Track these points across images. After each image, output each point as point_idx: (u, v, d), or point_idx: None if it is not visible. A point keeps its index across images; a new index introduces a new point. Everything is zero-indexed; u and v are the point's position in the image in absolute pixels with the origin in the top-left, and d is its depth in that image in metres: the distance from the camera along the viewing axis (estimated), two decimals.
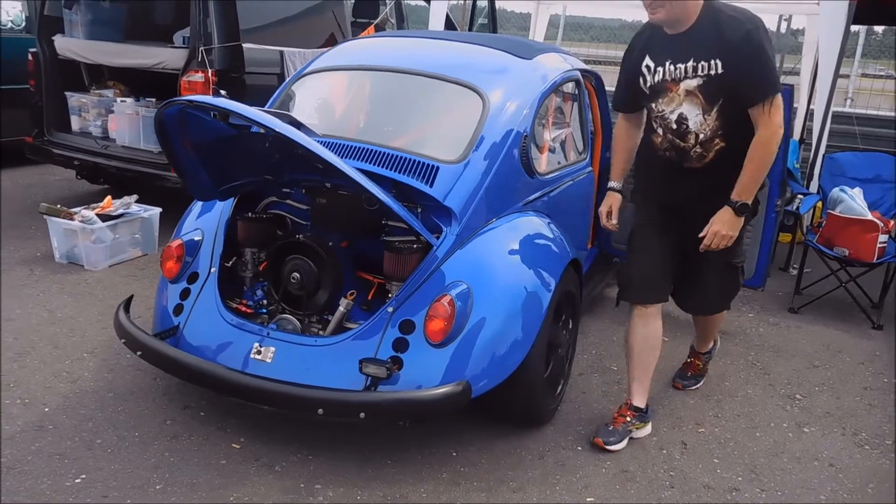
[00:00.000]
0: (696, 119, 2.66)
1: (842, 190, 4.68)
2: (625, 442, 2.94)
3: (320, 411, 2.43)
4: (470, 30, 7.43)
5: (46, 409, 2.91)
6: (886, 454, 3.06)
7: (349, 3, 6.09)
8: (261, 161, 2.85)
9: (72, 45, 5.19)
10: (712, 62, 2.56)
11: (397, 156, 2.85)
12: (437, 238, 2.77)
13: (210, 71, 4.69)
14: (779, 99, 2.56)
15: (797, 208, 4.73)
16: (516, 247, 2.88)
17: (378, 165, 2.84)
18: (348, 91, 3.37)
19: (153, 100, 5.29)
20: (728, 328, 4.27)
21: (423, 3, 7.28)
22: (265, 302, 2.98)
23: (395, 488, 2.60)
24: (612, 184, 3.09)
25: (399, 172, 2.82)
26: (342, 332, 2.73)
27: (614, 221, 3.09)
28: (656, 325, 2.96)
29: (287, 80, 3.57)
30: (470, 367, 2.60)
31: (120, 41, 5.41)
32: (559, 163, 3.50)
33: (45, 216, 4.38)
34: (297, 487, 2.55)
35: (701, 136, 2.69)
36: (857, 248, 4.46)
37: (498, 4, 8.17)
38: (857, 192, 4.66)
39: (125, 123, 5.13)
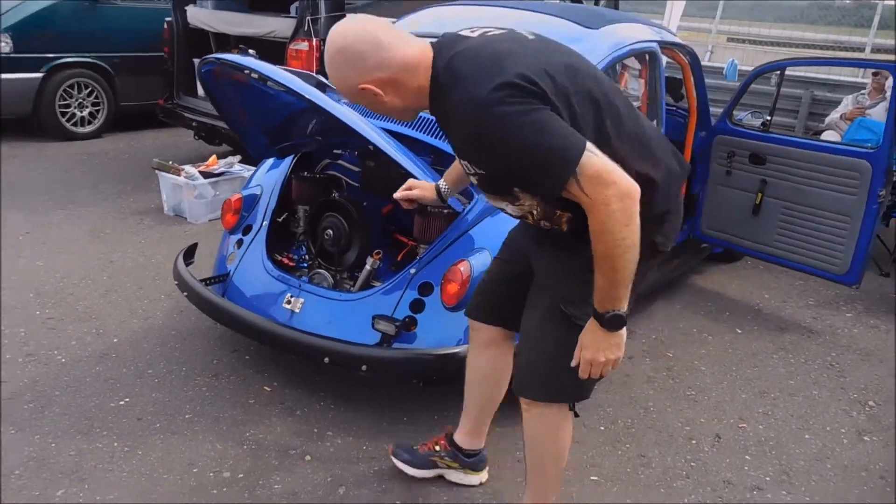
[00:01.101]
0: (510, 209, 1.83)
1: None
2: (423, 472, 2.46)
3: (326, 360, 2.55)
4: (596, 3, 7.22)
5: (115, 340, 3.24)
6: None
7: None
8: (306, 123, 2.99)
9: (200, 15, 5.62)
10: (464, 162, 1.72)
11: (430, 118, 2.89)
12: (467, 205, 2.79)
13: (315, 40, 4.92)
14: (589, 168, 1.49)
15: None
16: None
17: (419, 130, 2.89)
18: None
19: (314, 73, 5.61)
20: (815, 326, 3.96)
21: None
22: (306, 257, 3.13)
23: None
24: (441, 182, 2.31)
25: (436, 137, 2.86)
26: (369, 289, 2.83)
27: (402, 195, 2.31)
28: (491, 354, 2.25)
29: None
30: None
31: (245, 11, 5.78)
32: None
33: (156, 171, 4.81)
34: (310, 432, 2.69)
35: (533, 217, 1.80)
36: None
37: None
38: None
39: None
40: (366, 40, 1.55)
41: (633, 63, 3.59)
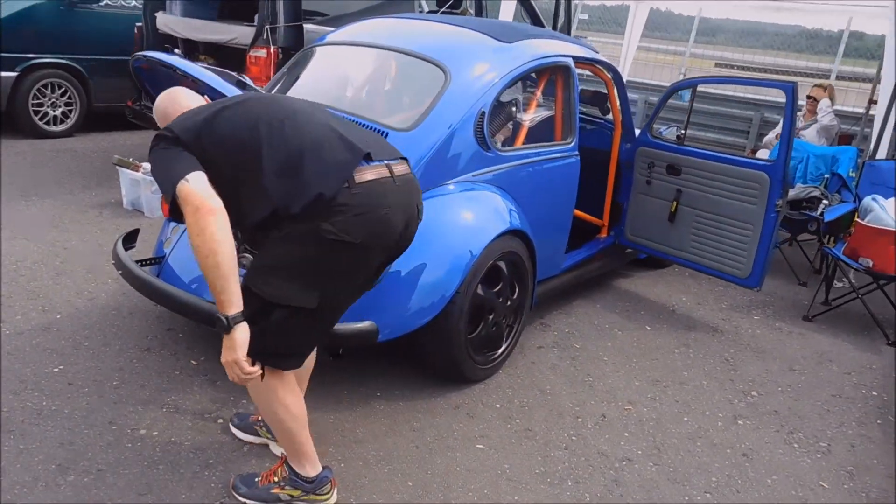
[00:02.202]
0: None
1: (874, 199, 4.48)
2: (247, 435, 2.67)
3: None
4: (554, 26, 7.56)
5: (58, 316, 3.50)
6: (811, 454, 3.02)
7: None
8: None
9: (167, 21, 5.91)
10: None
11: (353, 120, 3.17)
12: None
13: (273, 48, 5.21)
14: (181, 191, 1.87)
15: (821, 214, 4.57)
16: (450, 213, 3.12)
17: None
18: (334, 63, 3.72)
19: (235, 73, 5.90)
20: (722, 326, 4.25)
21: None
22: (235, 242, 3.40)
23: (311, 411, 2.91)
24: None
25: None
26: None
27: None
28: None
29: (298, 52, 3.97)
30: (382, 314, 2.88)
31: (212, 19, 6.07)
32: (528, 143, 3.66)
33: (116, 167, 5.07)
34: (226, 399, 2.95)
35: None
36: (882, 260, 4.27)
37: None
38: (892, 203, 4.44)
39: None
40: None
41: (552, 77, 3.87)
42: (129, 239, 3.47)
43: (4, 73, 6.35)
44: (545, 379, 3.41)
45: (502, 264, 3.25)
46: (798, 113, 6.56)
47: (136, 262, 3.24)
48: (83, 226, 4.74)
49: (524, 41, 3.62)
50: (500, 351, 3.39)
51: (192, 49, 6.29)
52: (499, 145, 3.41)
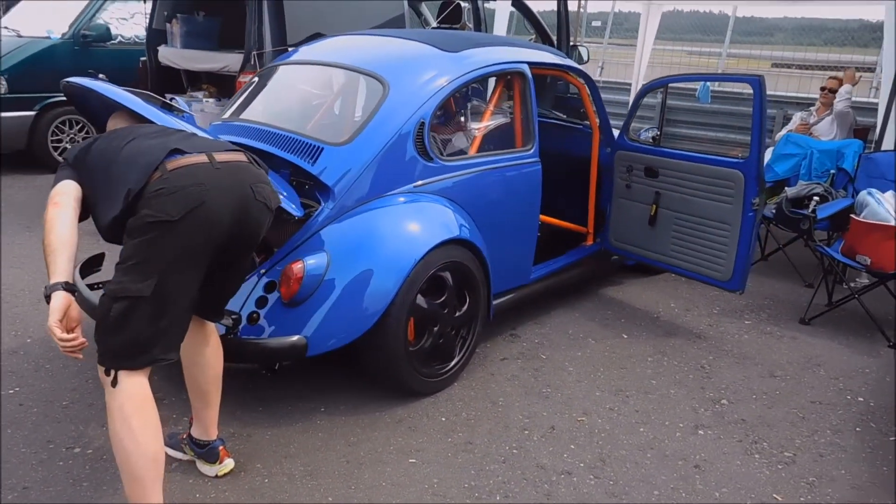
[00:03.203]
0: None
1: (869, 193, 4.25)
2: (174, 452, 2.69)
3: None
4: (559, 34, 7.46)
5: (28, 340, 3.60)
6: (772, 465, 2.85)
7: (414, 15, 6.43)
8: None
9: (168, 53, 6.09)
10: None
11: (290, 137, 3.20)
12: (315, 210, 3.08)
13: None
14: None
15: (813, 211, 4.35)
16: (386, 224, 3.09)
17: (274, 145, 3.20)
18: (282, 82, 3.75)
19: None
20: (706, 332, 4.08)
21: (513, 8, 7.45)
22: None
23: (248, 426, 2.94)
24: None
25: (289, 152, 3.16)
26: None
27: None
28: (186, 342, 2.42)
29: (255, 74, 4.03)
30: (313, 327, 2.87)
31: (214, 50, 6.23)
32: (483, 151, 3.61)
33: None
34: (168, 418, 2.96)
35: None
36: (879, 257, 4.03)
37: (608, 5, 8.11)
38: (889, 196, 4.20)
39: (206, 120, 5.92)
40: None
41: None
42: (95, 263, 3.56)
43: (24, 113, 6.65)
44: (500, 391, 3.33)
45: (447, 275, 3.20)
46: (811, 108, 6.34)
47: (90, 285, 3.32)
48: (80, 257, 4.89)
49: (470, 49, 3.58)
50: (453, 363, 3.32)
51: (195, 79, 6.47)
52: (444, 155, 3.37)
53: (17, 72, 6.49)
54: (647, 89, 4.29)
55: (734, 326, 4.19)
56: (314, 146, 3.14)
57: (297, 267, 2.88)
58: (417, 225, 3.14)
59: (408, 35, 3.69)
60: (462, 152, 3.55)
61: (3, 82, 6.45)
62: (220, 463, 2.63)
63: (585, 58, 7.59)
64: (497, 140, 3.71)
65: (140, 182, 2.11)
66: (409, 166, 3.23)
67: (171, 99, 3.07)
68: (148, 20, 6.29)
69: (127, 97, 2.67)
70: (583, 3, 9.02)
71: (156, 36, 6.26)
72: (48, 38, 6.78)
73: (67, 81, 2.78)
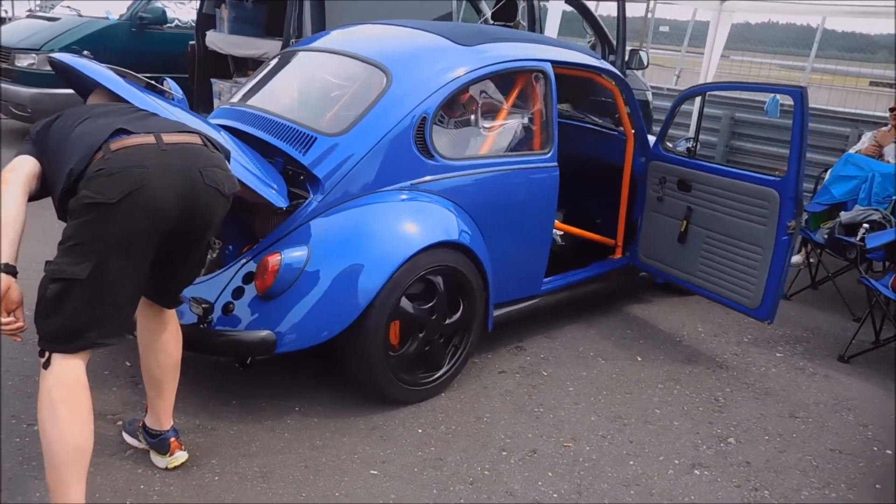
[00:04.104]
0: None
1: None
2: (130, 438, 2.64)
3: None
4: (618, 34, 7.16)
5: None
6: None
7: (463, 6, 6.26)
8: None
9: (214, 38, 6.12)
10: None
11: (285, 125, 3.09)
12: (304, 201, 2.96)
13: None
14: None
15: (861, 240, 3.97)
16: (375, 221, 2.95)
17: (269, 133, 3.10)
18: (289, 69, 3.64)
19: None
20: (730, 361, 3.77)
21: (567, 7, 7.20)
22: None
23: (216, 419, 2.84)
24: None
25: (282, 140, 3.04)
26: (209, 275, 3.02)
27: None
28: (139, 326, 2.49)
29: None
30: (284, 323, 2.75)
31: (259, 37, 6.22)
32: (494, 152, 3.41)
33: None
34: (138, 402, 2.88)
35: None
36: None
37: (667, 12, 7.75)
38: None
39: None
40: None
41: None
42: None
43: None
44: (489, 406, 3.13)
45: (438, 279, 3.03)
46: (883, 129, 5.86)
47: None
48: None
49: (487, 44, 3.39)
50: (440, 373, 3.14)
51: (242, 65, 6.48)
52: (449, 153, 3.19)
53: (73, 50, 6.63)
54: (685, 97, 4.00)
55: (763, 358, 3.86)
56: (308, 135, 3.02)
57: (274, 259, 2.76)
58: (408, 224, 2.98)
59: (423, 26, 3.52)
60: (470, 152, 3.36)
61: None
62: (171, 455, 2.54)
63: (645, 62, 7.27)
64: (511, 141, 3.49)
65: (82, 162, 2.04)
66: (407, 163, 3.07)
67: (161, 81, 2.98)
68: (199, 4, 6.33)
69: (104, 74, 2.61)
70: (651, 7, 8.66)
71: (206, 20, 6.30)
72: (106, 18, 6.92)
73: (51, 56, 2.74)
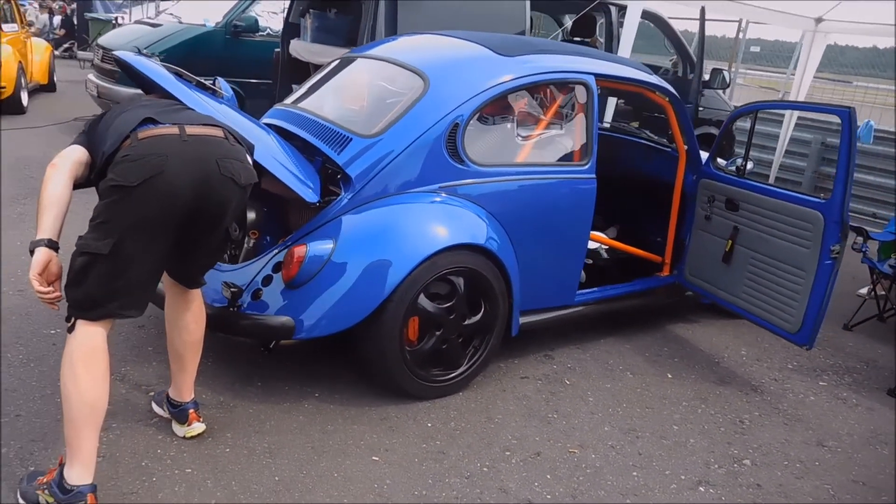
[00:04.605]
0: None
1: None
2: (157, 408, 2.84)
3: None
4: (700, 49, 7.05)
5: None
6: None
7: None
8: None
9: (296, 46, 6.42)
10: None
11: (325, 125, 3.27)
12: (336, 197, 3.12)
13: None
14: None
15: None
16: (399, 219, 3.06)
17: (309, 132, 3.29)
18: (339, 74, 3.82)
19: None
20: (767, 386, 3.66)
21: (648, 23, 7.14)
22: None
23: (238, 398, 3.02)
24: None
25: (321, 140, 3.22)
26: (244, 263, 3.22)
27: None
28: (167, 303, 2.73)
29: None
30: (305, 311, 2.91)
31: (339, 45, 6.49)
32: (531, 161, 3.46)
33: None
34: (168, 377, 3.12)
35: None
36: None
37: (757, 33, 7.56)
38: None
39: None
40: None
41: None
42: None
43: None
44: (503, 408, 3.18)
45: (459, 280, 3.11)
46: None
47: None
48: None
49: (529, 55, 3.46)
50: (458, 372, 3.22)
51: None
52: (483, 160, 3.27)
53: (172, 53, 7.11)
54: (736, 115, 3.94)
55: (803, 385, 3.72)
56: (344, 136, 3.18)
57: (300, 250, 2.92)
58: (432, 225, 3.08)
59: (467, 36, 3.62)
60: (504, 159, 3.43)
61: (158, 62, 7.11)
62: (189, 425, 2.73)
63: (728, 81, 7.14)
64: (547, 151, 3.55)
65: (112, 147, 2.23)
66: (438, 166, 3.17)
67: (212, 81, 3.20)
68: (286, 13, 6.67)
69: (157, 72, 2.84)
70: (743, 26, 8.44)
71: (291, 29, 6.62)
72: (204, 25, 7.39)
73: (116, 55, 3.01)
